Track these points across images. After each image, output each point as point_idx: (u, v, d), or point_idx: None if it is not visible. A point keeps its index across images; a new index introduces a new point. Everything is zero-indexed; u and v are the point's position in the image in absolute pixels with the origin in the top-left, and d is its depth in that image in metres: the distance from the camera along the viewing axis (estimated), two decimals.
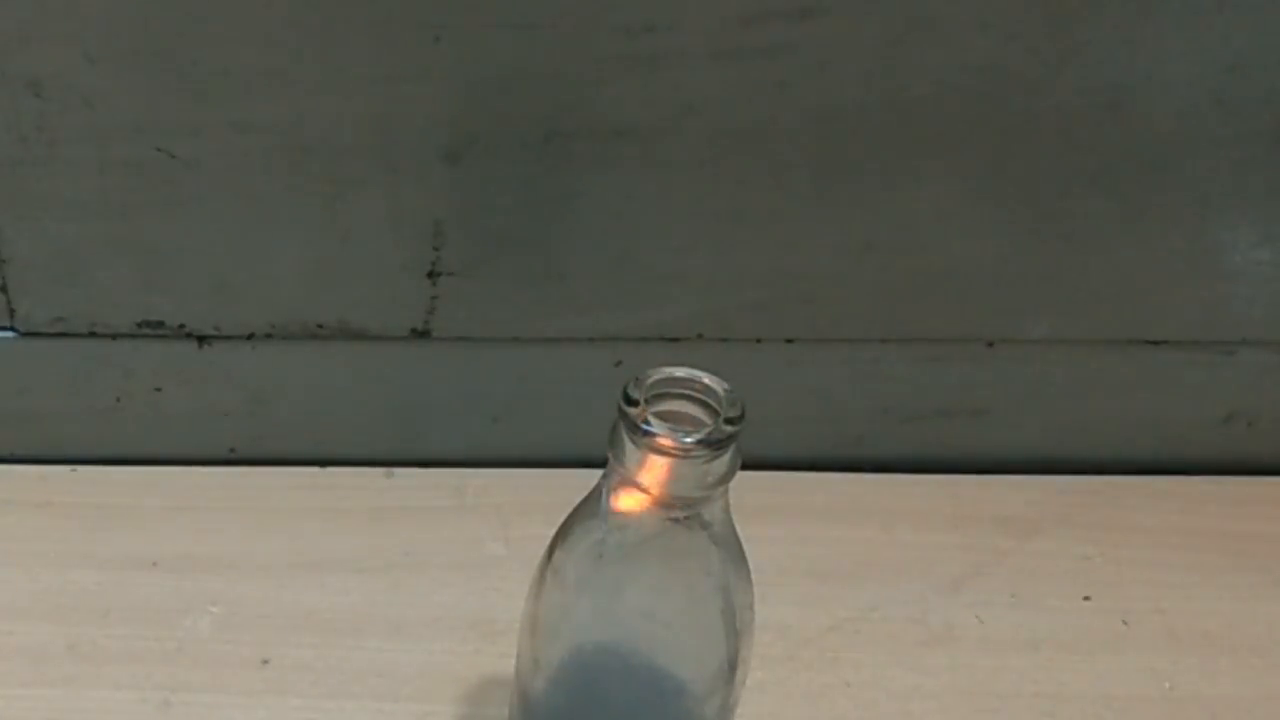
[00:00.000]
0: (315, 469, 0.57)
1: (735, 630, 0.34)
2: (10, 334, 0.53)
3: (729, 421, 0.31)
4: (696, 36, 0.45)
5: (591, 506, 0.33)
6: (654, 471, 0.31)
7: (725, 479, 0.31)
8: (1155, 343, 0.55)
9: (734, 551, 0.33)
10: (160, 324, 0.52)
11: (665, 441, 0.30)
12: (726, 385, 0.31)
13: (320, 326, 0.53)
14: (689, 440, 0.30)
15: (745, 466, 0.31)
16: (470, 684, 0.47)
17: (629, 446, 0.31)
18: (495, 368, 0.55)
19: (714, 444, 0.30)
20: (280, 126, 0.47)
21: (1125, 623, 0.51)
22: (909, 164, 0.49)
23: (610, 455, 0.31)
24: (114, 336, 0.53)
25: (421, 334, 0.53)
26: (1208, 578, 0.53)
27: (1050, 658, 0.49)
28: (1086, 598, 0.52)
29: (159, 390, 0.55)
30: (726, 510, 0.32)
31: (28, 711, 0.45)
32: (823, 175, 0.49)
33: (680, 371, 0.32)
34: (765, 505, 0.54)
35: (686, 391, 0.32)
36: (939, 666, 0.48)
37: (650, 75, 0.46)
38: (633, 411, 0.30)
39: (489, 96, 0.46)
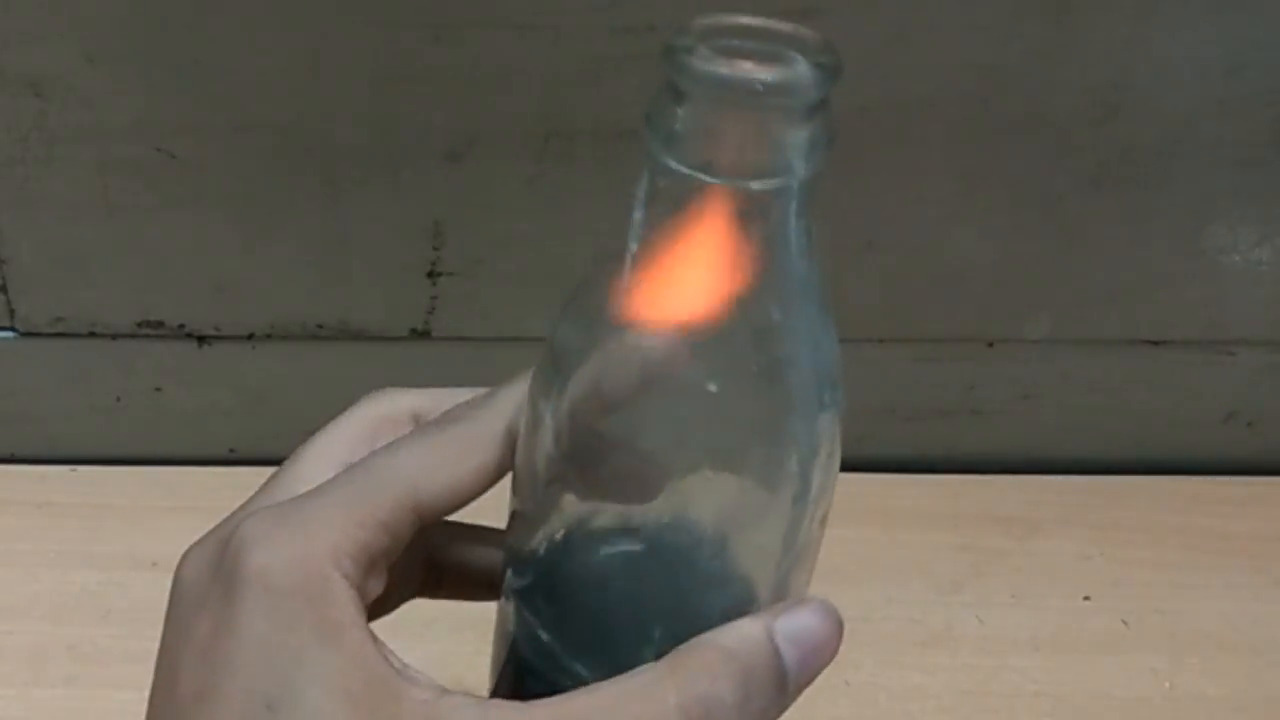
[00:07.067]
0: None
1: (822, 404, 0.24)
2: (10, 334, 0.53)
3: (820, 67, 0.21)
4: None
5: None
6: (714, 138, 0.22)
7: (814, 155, 0.22)
8: (1155, 343, 0.55)
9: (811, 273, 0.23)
10: (160, 324, 0.52)
11: (735, 79, 0.21)
12: (816, 34, 0.22)
13: (320, 326, 0.53)
14: (768, 78, 0.21)
15: None
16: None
17: (675, 112, 0.22)
18: (495, 368, 0.54)
19: (802, 89, 0.21)
20: (280, 126, 0.47)
21: (1125, 623, 0.51)
22: (909, 164, 0.49)
23: (647, 151, 0.23)
24: (114, 336, 0.53)
25: (421, 334, 0.53)
26: (1208, 578, 0.53)
27: (1050, 658, 0.49)
28: (1086, 598, 0.52)
29: (159, 390, 0.55)
30: (808, 231, 0.23)
31: (28, 711, 0.45)
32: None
33: (747, 19, 0.22)
34: None
35: (758, 44, 0.22)
36: (939, 666, 0.48)
37: (650, 75, 0.46)
38: (683, 43, 0.22)
39: (489, 96, 0.46)
